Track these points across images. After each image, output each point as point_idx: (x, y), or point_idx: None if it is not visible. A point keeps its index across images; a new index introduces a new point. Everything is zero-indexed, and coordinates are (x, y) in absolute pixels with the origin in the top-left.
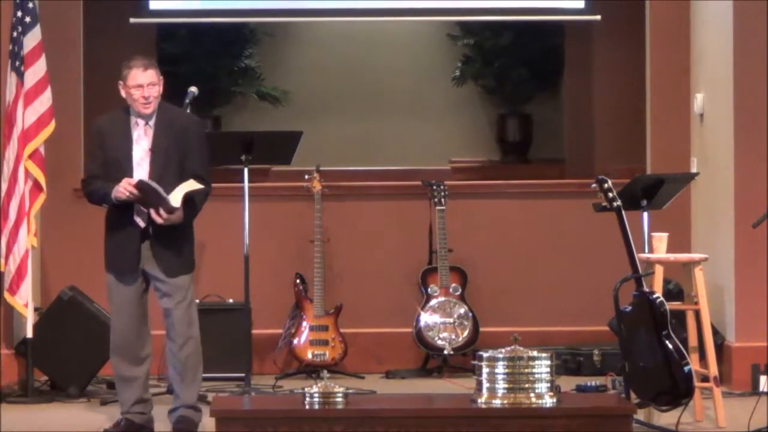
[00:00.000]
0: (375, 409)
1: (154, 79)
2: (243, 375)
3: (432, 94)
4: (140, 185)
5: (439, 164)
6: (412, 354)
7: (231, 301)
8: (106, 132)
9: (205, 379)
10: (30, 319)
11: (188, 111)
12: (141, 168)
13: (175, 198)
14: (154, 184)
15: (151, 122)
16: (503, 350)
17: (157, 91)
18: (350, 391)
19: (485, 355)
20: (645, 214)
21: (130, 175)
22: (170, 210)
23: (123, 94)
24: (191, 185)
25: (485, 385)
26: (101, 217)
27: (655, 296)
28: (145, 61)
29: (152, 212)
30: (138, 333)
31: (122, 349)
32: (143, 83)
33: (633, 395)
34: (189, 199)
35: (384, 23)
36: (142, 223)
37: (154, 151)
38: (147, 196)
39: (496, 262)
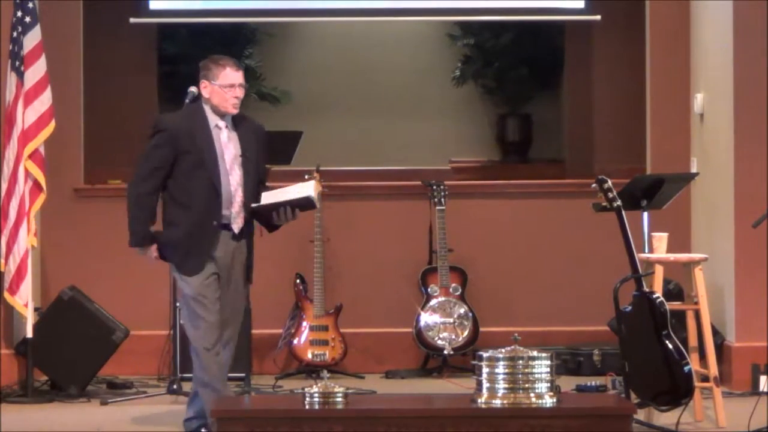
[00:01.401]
0: (375, 409)
1: (243, 80)
2: (243, 375)
3: (432, 94)
4: (305, 202)
5: (439, 164)
6: (412, 354)
7: None
8: (185, 132)
9: None
10: (30, 319)
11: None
12: (234, 172)
13: (316, 197)
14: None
15: (230, 126)
16: (503, 350)
17: (243, 92)
18: (350, 391)
19: (485, 355)
20: (645, 214)
21: (219, 180)
22: (305, 210)
23: (206, 92)
24: (318, 186)
25: (485, 385)
26: (101, 217)
27: (655, 296)
28: (235, 60)
29: (282, 215)
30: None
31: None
32: (236, 83)
33: (633, 395)
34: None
35: (384, 23)
36: (236, 229)
37: (247, 155)
38: (272, 209)
39: (496, 262)
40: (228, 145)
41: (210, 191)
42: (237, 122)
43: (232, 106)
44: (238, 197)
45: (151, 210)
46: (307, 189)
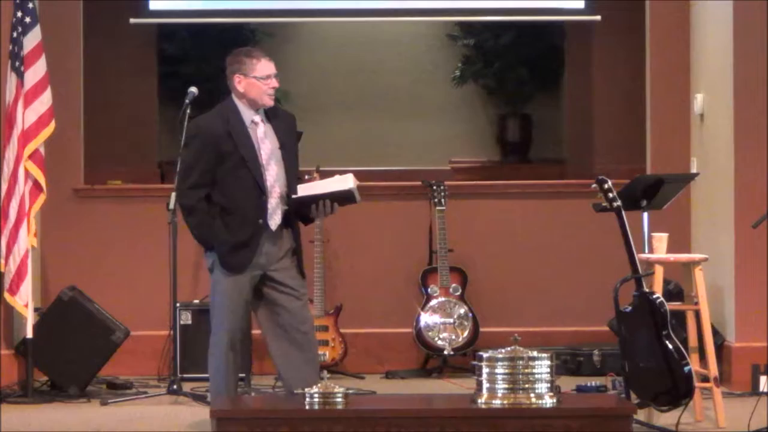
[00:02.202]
0: (375, 409)
1: (276, 70)
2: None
3: (432, 94)
4: (346, 196)
5: (439, 164)
6: (412, 354)
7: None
8: (223, 132)
9: (205, 379)
10: (30, 319)
11: (188, 111)
12: (271, 168)
13: (356, 190)
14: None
15: (264, 119)
16: (503, 350)
17: (278, 83)
18: (350, 391)
19: (485, 355)
20: (645, 214)
21: (261, 176)
22: (345, 204)
23: (241, 87)
24: (355, 179)
25: (485, 385)
26: (101, 218)
27: (655, 296)
28: (264, 52)
29: (322, 209)
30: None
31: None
32: (272, 73)
33: (633, 395)
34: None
35: (384, 23)
36: (273, 226)
37: (285, 148)
38: (310, 202)
39: (496, 262)
40: (264, 140)
41: (253, 189)
42: (270, 115)
43: (269, 98)
44: (275, 193)
45: (210, 212)
46: (347, 182)
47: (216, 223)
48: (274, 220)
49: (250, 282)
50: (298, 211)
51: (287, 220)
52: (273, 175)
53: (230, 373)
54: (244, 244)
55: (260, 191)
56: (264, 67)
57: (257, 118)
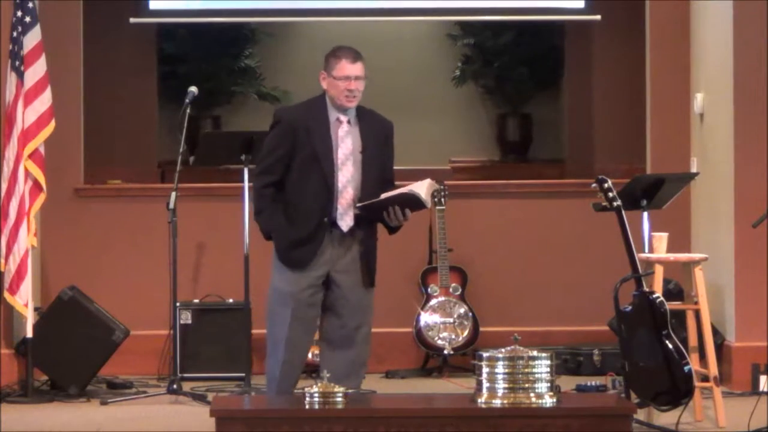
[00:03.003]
0: (375, 409)
1: (362, 72)
2: (243, 375)
3: (432, 94)
4: (408, 199)
5: (439, 164)
6: (412, 354)
7: (231, 301)
8: (302, 125)
9: (205, 379)
10: (30, 319)
11: (188, 111)
12: (346, 168)
13: (427, 196)
14: (418, 193)
15: (352, 120)
16: (503, 350)
17: (363, 85)
18: (350, 391)
19: (485, 354)
20: (645, 214)
21: (332, 176)
22: (416, 210)
23: (324, 84)
24: (433, 185)
25: (485, 384)
26: (101, 218)
27: (655, 296)
28: (354, 52)
29: (394, 215)
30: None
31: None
32: (351, 75)
33: (633, 395)
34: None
35: (384, 23)
36: (344, 227)
37: (367, 153)
38: (379, 210)
39: (496, 262)
40: (345, 140)
41: (322, 187)
42: (363, 117)
43: (346, 99)
44: (347, 194)
45: (273, 202)
46: (419, 187)
47: (278, 214)
48: (345, 221)
49: (315, 282)
50: (374, 218)
51: (359, 224)
52: (347, 176)
53: (284, 379)
54: (305, 240)
55: (329, 190)
56: (344, 67)
57: (343, 118)
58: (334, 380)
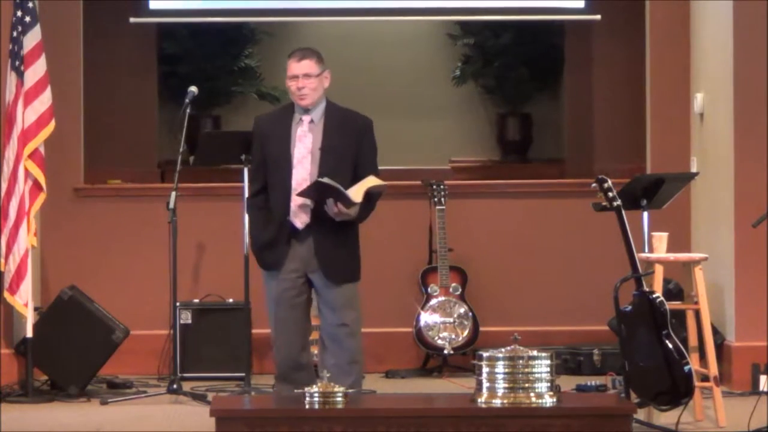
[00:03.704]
0: (375, 409)
1: (311, 70)
2: (243, 375)
3: (432, 94)
4: (318, 187)
5: (439, 164)
6: (412, 354)
7: (231, 301)
8: (266, 131)
9: (205, 379)
10: (30, 318)
11: (188, 111)
12: (302, 167)
13: (357, 193)
14: (331, 181)
15: (316, 118)
16: (503, 350)
17: (314, 83)
18: (350, 391)
19: (485, 354)
20: (645, 214)
21: (289, 175)
22: (349, 206)
23: (286, 87)
24: (373, 181)
25: (485, 384)
26: (101, 218)
27: (655, 296)
28: (303, 51)
29: (328, 207)
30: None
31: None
32: (298, 74)
33: (633, 395)
34: (368, 196)
35: (384, 23)
36: (299, 225)
37: (325, 150)
38: (323, 195)
39: (496, 262)
40: (303, 139)
41: (282, 187)
42: (331, 115)
43: (298, 98)
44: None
45: (260, 210)
46: (360, 184)
47: (259, 220)
48: (300, 218)
49: (293, 283)
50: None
51: (322, 222)
52: (303, 173)
53: (293, 380)
54: (272, 242)
55: (287, 189)
56: (290, 67)
57: (305, 117)
58: (331, 379)
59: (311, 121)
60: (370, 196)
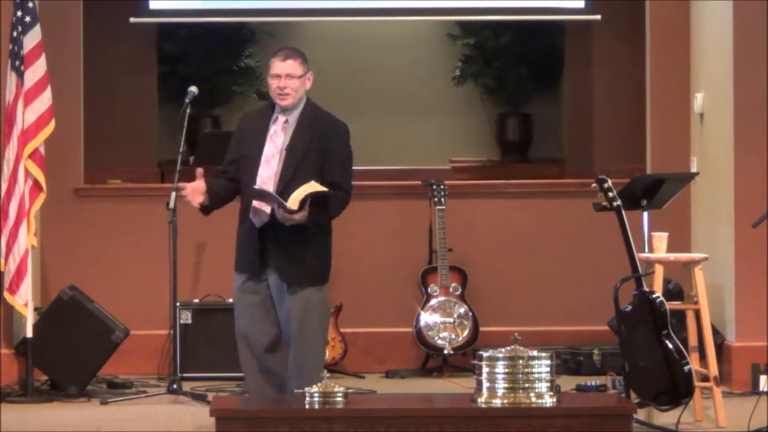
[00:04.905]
0: (375, 409)
1: (294, 71)
2: (243, 375)
3: (432, 94)
4: (257, 193)
5: (439, 164)
6: (412, 354)
7: (231, 301)
8: (243, 128)
9: (205, 379)
10: (30, 318)
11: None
12: (269, 166)
13: (294, 200)
14: (264, 189)
15: (292, 119)
16: (503, 350)
17: (297, 83)
18: (350, 391)
19: (485, 354)
20: (645, 214)
21: (254, 173)
22: (288, 212)
23: (268, 86)
24: (312, 187)
25: (485, 384)
26: (101, 218)
27: (655, 296)
28: (288, 51)
29: (275, 210)
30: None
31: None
32: (281, 73)
33: (633, 395)
34: (319, 201)
35: (384, 23)
36: (257, 223)
37: (290, 150)
38: (265, 200)
39: (496, 262)
40: (273, 138)
41: (250, 185)
42: (306, 117)
43: (279, 98)
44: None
45: (219, 181)
46: (300, 190)
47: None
48: (259, 217)
49: (259, 284)
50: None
51: (292, 226)
52: (268, 172)
53: (251, 376)
54: (242, 241)
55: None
56: (273, 66)
57: (281, 117)
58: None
59: (286, 121)
60: (320, 201)
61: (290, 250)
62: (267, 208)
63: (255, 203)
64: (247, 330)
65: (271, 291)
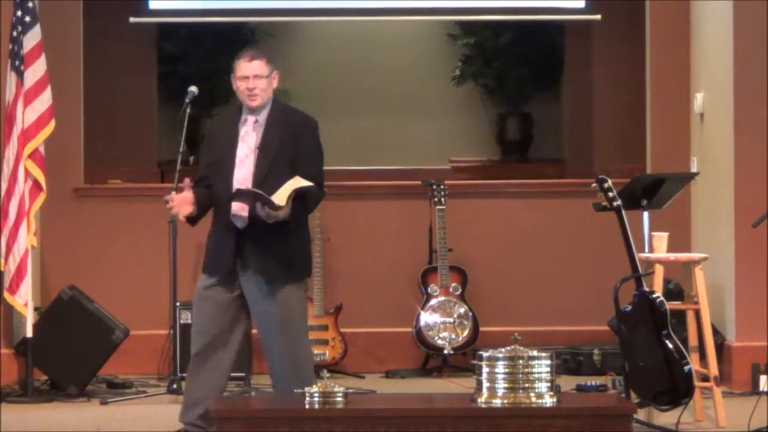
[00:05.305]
0: (375, 409)
1: (262, 71)
2: (243, 375)
3: (432, 94)
4: (242, 193)
5: (439, 164)
6: (412, 354)
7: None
8: (214, 132)
9: None
10: (30, 318)
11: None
12: (244, 166)
13: (281, 197)
14: (252, 189)
15: (261, 119)
16: (503, 350)
17: (265, 83)
18: (350, 391)
19: (485, 354)
20: (645, 214)
21: (229, 175)
22: (275, 209)
23: (234, 88)
24: (297, 182)
25: (485, 384)
26: (101, 218)
27: (655, 296)
28: (253, 52)
29: (258, 210)
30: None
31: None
32: (249, 74)
33: (633, 395)
34: (299, 197)
35: (384, 23)
36: (239, 225)
37: (262, 149)
38: (253, 200)
39: (496, 262)
40: (246, 139)
41: (224, 189)
42: (275, 115)
43: (248, 99)
44: None
45: (200, 189)
46: (284, 187)
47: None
48: (241, 219)
49: (228, 286)
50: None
51: (262, 223)
52: (244, 173)
53: (191, 380)
54: (215, 242)
55: (228, 190)
56: (240, 67)
57: (251, 118)
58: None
59: (255, 121)
60: (301, 196)
61: (273, 248)
62: (247, 210)
63: (235, 206)
64: (205, 327)
65: (245, 292)
